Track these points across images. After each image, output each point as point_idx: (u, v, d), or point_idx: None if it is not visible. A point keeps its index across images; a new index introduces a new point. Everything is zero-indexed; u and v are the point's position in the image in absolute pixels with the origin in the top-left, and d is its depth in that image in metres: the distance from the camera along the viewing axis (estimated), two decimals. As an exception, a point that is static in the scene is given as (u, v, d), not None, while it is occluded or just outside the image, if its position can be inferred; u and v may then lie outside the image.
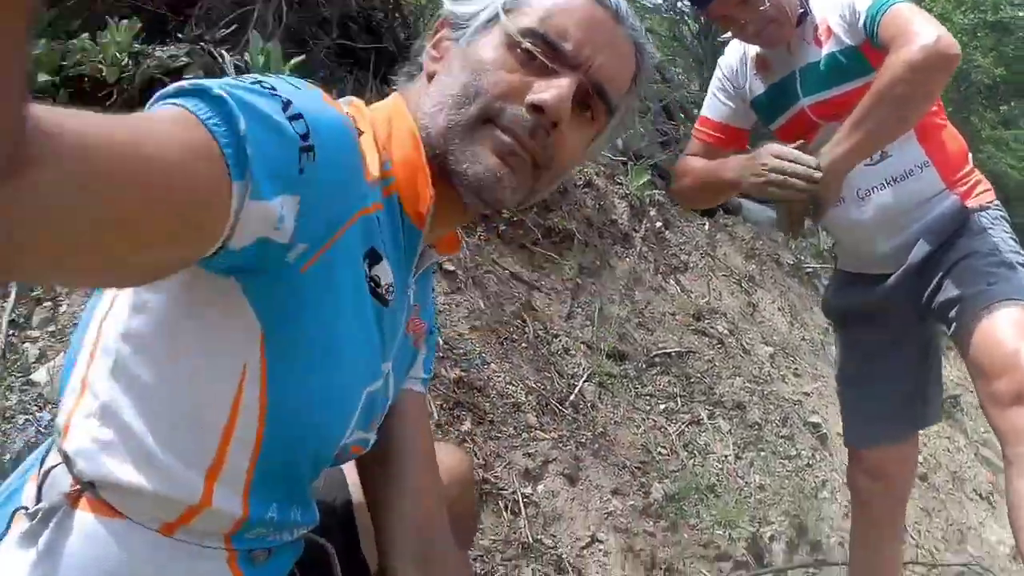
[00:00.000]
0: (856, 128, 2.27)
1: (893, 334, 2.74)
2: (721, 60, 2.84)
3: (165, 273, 0.94)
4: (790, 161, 2.31)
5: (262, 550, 1.24)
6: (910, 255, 2.59)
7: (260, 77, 1.01)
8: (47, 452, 1.18)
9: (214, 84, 0.92)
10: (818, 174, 2.28)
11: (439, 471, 1.57)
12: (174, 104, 0.90)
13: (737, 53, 2.78)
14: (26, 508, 1.10)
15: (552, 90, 1.21)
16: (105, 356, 1.11)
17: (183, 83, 0.94)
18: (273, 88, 0.99)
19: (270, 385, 1.09)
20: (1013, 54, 13.83)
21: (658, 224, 5.63)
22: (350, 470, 1.58)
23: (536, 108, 1.21)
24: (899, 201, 2.58)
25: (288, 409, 1.12)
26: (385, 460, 1.46)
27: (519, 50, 1.23)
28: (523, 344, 4.06)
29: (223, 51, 3.72)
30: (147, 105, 0.95)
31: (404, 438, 1.48)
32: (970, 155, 2.73)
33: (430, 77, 1.31)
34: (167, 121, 0.87)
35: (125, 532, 1.09)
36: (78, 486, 1.10)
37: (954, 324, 2.45)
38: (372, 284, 1.20)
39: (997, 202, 2.66)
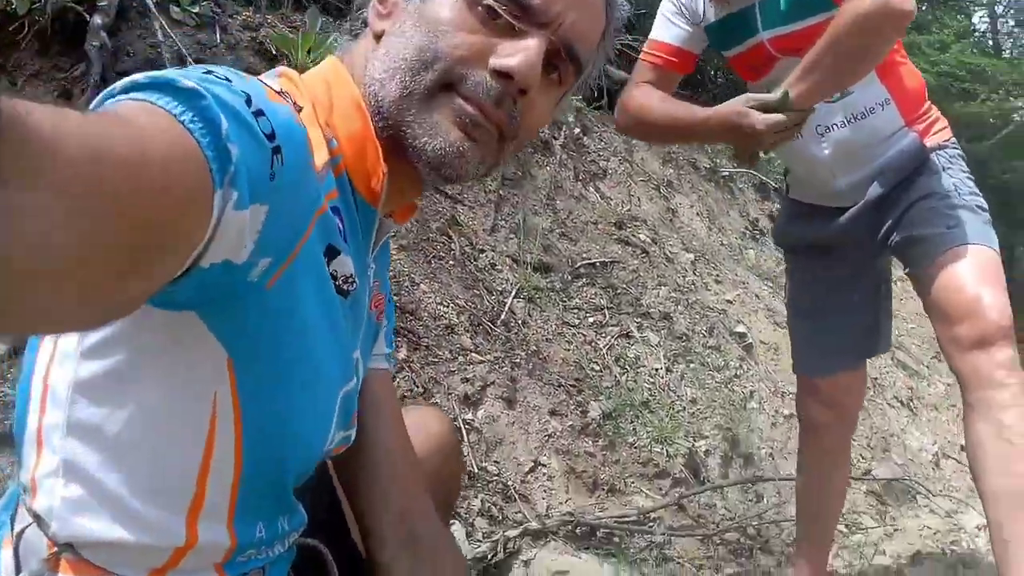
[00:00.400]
0: (808, 73, 2.21)
1: (850, 268, 2.72)
2: None
3: (133, 307, 0.77)
4: (764, 107, 2.24)
5: (256, 570, 1.16)
6: (868, 191, 2.55)
7: (210, 67, 0.89)
8: (15, 508, 1.08)
9: (178, 76, 0.79)
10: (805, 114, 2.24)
11: (420, 441, 1.52)
12: (142, 100, 0.77)
13: None
14: None
15: (520, 54, 1.08)
16: (56, 408, 1.00)
17: (139, 77, 0.80)
18: (228, 80, 0.88)
19: (244, 411, 1.01)
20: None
21: (576, 131, 5.54)
22: None
23: (502, 74, 1.08)
24: (859, 138, 2.53)
25: (266, 432, 1.04)
26: (359, 449, 1.37)
27: (480, 7, 1.09)
28: (450, 261, 3.97)
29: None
30: (100, 99, 0.82)
31: (377, 426, 1.40)
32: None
33: (377, 37, 1.17)
34: (151, 127, 0.73)
35: None
36: (55, 549, 1.01)
37: (913, 264, 2.43)
38: (332, 279, 1.09)
39: (954, 140, 2.64)
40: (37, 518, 1.02)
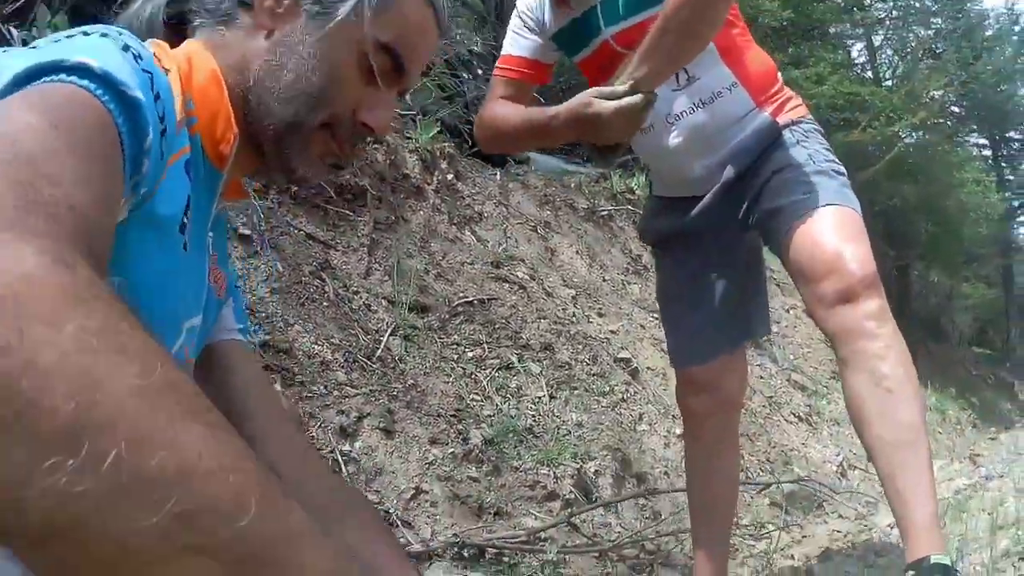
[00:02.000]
0: (646, 57, 2.19)
1: (714, 253, 2.70)
2: (519, 1, 2.72)
3: None
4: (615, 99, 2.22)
5: None
6: (724, 174, 2.55)
7: (103, 28, 0.99)
8: None
9: (87, 53, 0.87)
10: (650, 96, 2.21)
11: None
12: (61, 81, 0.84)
13: None
14: None
15: (382, 113, 1.26)
16: None
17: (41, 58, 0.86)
18: (120, 34, 0.99)
19: None
20: (798, -1, 14.37)
21: (449, 176, 5.51)
22: None
23: (366, 126, 1.25)
24: (710, 122, 2.52)
25: None
26: (239, 424, 1.32)
27: (366, 66, 1.23)
28: (324, 303, 3.88)
29: (11, 27, 3.41)
30: (11, 82, 0.83)
31: (248, 396, 1.39)
32: (780, 74, 2.71)
33: (268, 33, 1.24)
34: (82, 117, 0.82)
35: None
36: None
37: (774, 236, 2.43)
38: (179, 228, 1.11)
39: (811, 117, 2.66)
40: None
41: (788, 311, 7.34)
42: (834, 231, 2.28)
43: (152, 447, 0.50)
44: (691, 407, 2.80)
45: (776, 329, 6.73)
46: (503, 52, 2.75)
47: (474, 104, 7.34)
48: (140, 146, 0.90)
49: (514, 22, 2.72)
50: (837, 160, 2.54)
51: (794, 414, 5.56)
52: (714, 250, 2.70)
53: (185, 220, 1.09)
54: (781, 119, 2.56)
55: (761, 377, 5.83)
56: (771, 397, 5.51)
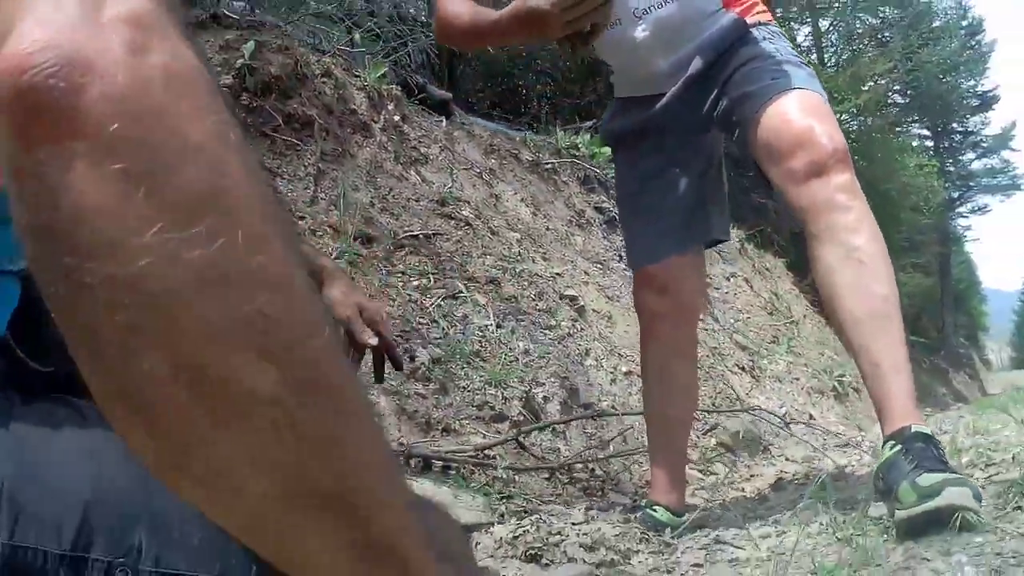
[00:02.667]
0: None
1: (675, 150, 2.65)
2: None
3: None
4: None
5: None
6: (690, 67, 2.51)
7: None
8: None
9: None
10: None
11: None
12: None
13: None
14: None
15: None
16: None
17: None
18: None
19: None
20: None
21: (396, 118, 5.41)
22: None
23: None
24: (677, 15, 2.49)
25: None
26: None
27: None
28: (266, 225, 3.77)
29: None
30: None
31: None
32: None
33: None
34: None
35: None
36: None
37: (740, 124, 2.39)
38: None
39: (775, 23, 2.64)
40: None
41: (728, 279, 7.34)
42: (802, 110, 2.27)
43: (261, 249, 0.52)
44: (648, 305, 2.73)
45: (717, 295, 6.75)
46: None
47: (419, 54, 7.27)
48: None
49: None
50: (802, 58, 2.52)
51: (738, 365, 5.57)
52: (675, 149, 2.66)
53: None
54: (749, 19, 2.54)
55: (704, 330, 5.83)
56: (715, 348, 5.52)
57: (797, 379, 5.85)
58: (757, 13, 2.58)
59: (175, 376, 0.50)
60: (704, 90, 2.51)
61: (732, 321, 6.52)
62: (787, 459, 4.32)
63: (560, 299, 4.76)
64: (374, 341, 1.66)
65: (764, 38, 2.50)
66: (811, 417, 5.29)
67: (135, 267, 0.48)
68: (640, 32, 2.51)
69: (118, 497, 0.84)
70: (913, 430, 1.90)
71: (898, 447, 1.89)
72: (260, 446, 0.52)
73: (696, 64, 2.50)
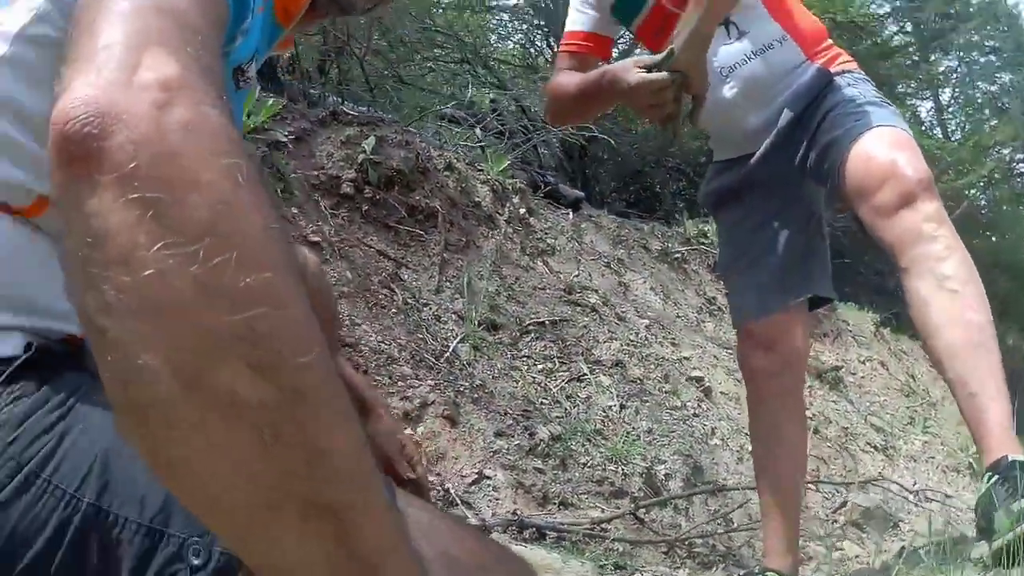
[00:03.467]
0: (685, 24, 2.23)
1: (773, 204, 2.66)
2: None
3: None
4: (649, 67, 2.25)
5: None
6: (780, 120, 2.54)
7: None
8: None
9: None
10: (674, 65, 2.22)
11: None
12: None
13: None
14: None
15: None
16: None
17: None
18: None
19: None
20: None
21: (521, 210, 5.52)
22: None
23: None
24: (763, 71, 2.54)
25: None
26: None
27: None
28: (393, 310, 3.89)
29: None
30: None
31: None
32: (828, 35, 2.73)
33: None
34: None
35: None
36: None
37: (830, 170, 2.40)
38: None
39: (861, 71, 2.65)
40: None
41: (864, 363, 7.15)
42: (885, 145, 2.28)
43: (255, 270, 0.59)
44: (752, 365, 2.71)
45: (852, 379, 6.59)
46: (566, 29, 2.81)
47: (552, 158, 7.42)
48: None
49: (574, 1, 2.77)
50: (889, 101, 2.53)
51: (870, 444, 5.39)
52: (772, 205, 2.67)
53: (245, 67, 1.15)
54: (833, 68, 2.56)
55: (836, 411, 5.68)
56: (847, 428, 5.37)
57: (932, 458, 5.62)
58: (841, 63, 2.61)
59: (173, 376, 0.56)
60: (795, 142, 2.53)
61: (868, 404, 6.34)
62: (917, 534, 4.15)
63: (687, 380, 4.72)
64: (412, 475, 1.77)
65: (848, 84, 2.52)
66: (946, 496, 5.05)
67: (141, 275, 0.56)
68: (729, 90, 2.56)
69: None
70: (1010, 459, 1.84)
71: (995, 478, 1.83)
72: (244, 453, 0.57)
73: (786, 116, 2.53)
